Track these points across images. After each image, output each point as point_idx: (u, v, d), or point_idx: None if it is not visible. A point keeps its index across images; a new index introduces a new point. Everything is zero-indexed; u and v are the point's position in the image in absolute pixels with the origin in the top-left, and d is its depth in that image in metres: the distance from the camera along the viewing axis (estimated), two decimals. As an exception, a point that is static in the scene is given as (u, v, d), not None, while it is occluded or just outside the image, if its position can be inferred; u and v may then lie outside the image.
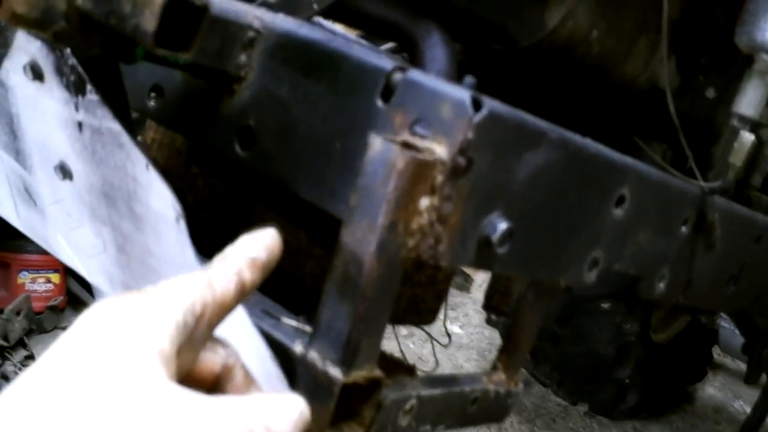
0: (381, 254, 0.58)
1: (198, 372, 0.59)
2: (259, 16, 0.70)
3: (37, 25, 0.59)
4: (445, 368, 3.09)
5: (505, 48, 0.81)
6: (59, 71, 0.65)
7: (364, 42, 0.70)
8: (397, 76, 0.63)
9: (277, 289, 0.73)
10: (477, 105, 0.60)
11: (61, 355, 0.50)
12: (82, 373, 0.49)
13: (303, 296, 0.77)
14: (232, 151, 0.70)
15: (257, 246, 0.61)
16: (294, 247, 0.78)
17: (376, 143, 0.58)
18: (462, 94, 0.60)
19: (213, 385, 0.60)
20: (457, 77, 0.78)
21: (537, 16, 0.78)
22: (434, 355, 2.96)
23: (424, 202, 0.60)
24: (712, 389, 3.80)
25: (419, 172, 0.58)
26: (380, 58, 0.65)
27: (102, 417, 0.47)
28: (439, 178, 0.60)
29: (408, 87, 0.62)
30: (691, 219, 0.91)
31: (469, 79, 0.64)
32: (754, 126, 0.90)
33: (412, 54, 0.79)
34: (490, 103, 0.60)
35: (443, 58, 0.76)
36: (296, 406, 0.55)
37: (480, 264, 0.66)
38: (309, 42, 0.68)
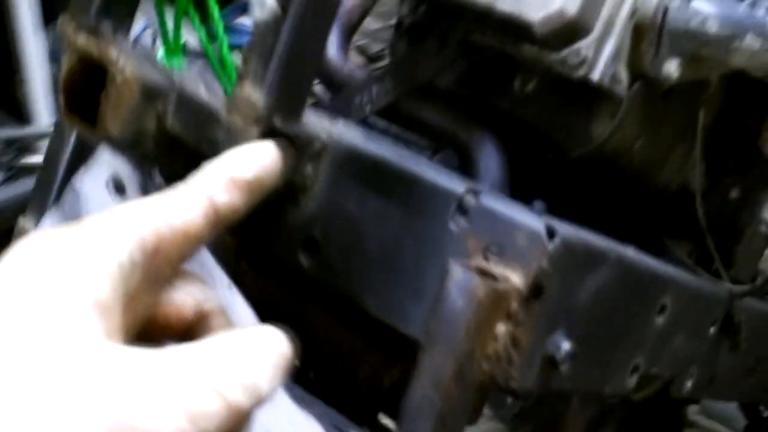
0: (460, 379, 0.60)
1: (163, 317, 0.48)
2: (326, 128, 0.71)
3: (127, 145, 0.60)
4: None
5: (554, 157, 0.83)
6: (144, 188, 0.66)
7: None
8: (470, 200, 0.64)
9: (331, 393, 0.74)
10: (551, 233, 0.62)
11: None
12: None
13: (356, 400, 0.79)
14: (296, 261, 0.71)
15: (241, 160, 0.51)
16: (348, 351, 0.79)
17: (457, 271, 0.60)
18: (537, 223, 0.62)
19: (183, 334, 0.49)
20: (509, 187, 0.80)
21: (585, 129, 0.80)
22: None
23: (501, 328, 0.61)
24: (685, 447, 3.82)
25: (497, 301, 0.60)
26: (452, 179, 0.67)
27: (16, 380, 0.37)
28: (514, 305, 0.61)
29: (481, 211, 0.64)
30: (719, 320, 0.93)
31: (539, 204, 0.66)
32: (782, 232, 0.93)
33: (464, 160, 0.80)
34: (562, 231, 0.62)
35: (497, 169, 0.78)
36: (274, 343, 0.44)
37: (542, 382, 0.68)
38: (378, 159, 0.69)
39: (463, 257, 0.63)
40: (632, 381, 0.82)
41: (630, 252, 0.74)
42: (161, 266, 0.46)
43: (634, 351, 0.80)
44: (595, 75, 0.74)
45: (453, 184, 0.66)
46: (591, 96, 0.80)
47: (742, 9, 0.77)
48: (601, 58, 0.75)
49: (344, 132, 0.72)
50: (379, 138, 0.77)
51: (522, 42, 0.75)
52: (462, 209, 0.65)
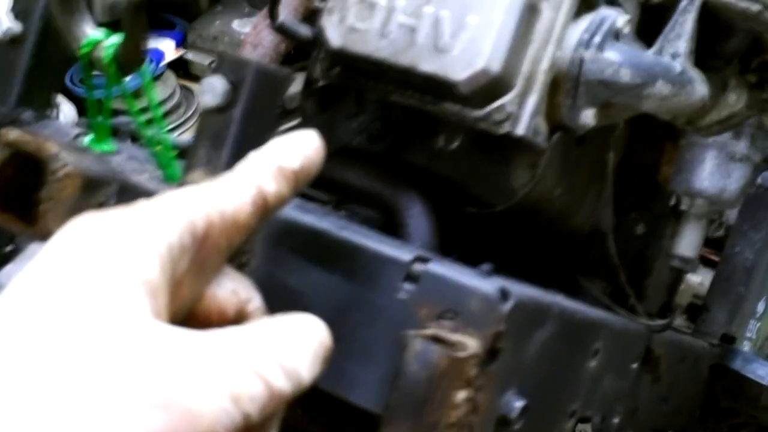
0: (426, 452, 0.59)
1: (204, 312, 0.49)
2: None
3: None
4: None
5: (478, 210, 0.84)
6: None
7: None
8: (419, 268, 0.64)
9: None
10: (505, 296, 0.62)
11: (28, 281, 0.41)
12: (49, 304, 0.39)
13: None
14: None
15: (287, 150, 0.51)
16: (298, 429, 0.77)
17: (415, 343, 0.59)
18: (489, 286, 0.62)
19: None
20: (439, 246, 0.80)
21: (508, 181, 0.81)
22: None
23: (461, 395, 0.61)
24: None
25: (457, 368, 0.60)
26: (398, 248, 0.66)
27: (66, 356, 0.37)
28: (473, 371, 0.61)
29: (431, 278, 0.63)
30: (640, 356, 0.95)
31: (486, 266, 0.66)
32: (693, 265, 0.96)
33: (393, 222, 0.80)
34: (515, 292, 0.62)
35: (426, 229, 0.78)
36: (315, 331, 0.46)
37: (496, 442, 0.67)
38: (316, 231, 0.68)
39: (416, 326, 0.62)
40: (569, 426, 0.83)
41: (567, 302, 0.75)
42: (210, 253, 0.46)
43: (571, 397, 0.81)
44: (520, 130, 0.75)
45: (399, 252, 0.65)
46: (510, 148, 0.81)
47: (650, 56, 0.79)
48: (525, 112, 0.76)
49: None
50: (310, 207, 0.75)
51: (444, 100, 0.75)
52: (411, 277, 0.64)
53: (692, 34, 0.80)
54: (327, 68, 0.81)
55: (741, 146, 0.91)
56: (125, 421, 0.36)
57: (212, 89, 0.51)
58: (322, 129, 0.81)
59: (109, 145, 0.60)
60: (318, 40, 0.79)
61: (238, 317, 0.50)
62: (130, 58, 0.61)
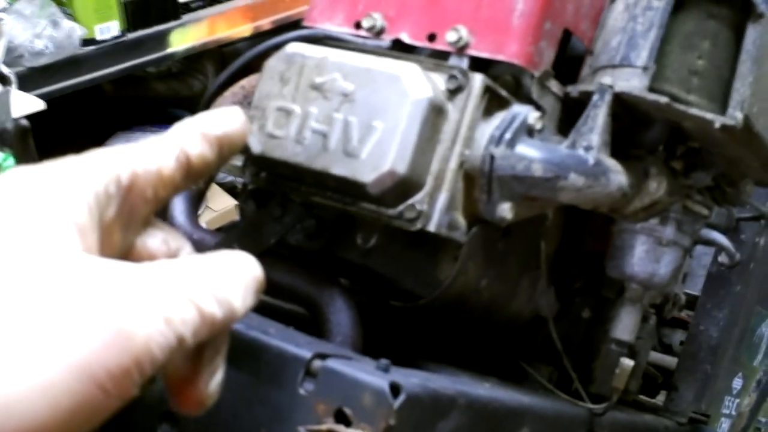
0: None
1: (136, 261, 0.50)
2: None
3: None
4: None
5: (403, 304, 0.86)
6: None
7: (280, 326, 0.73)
8: (317, 364, 0.67)
9: None
10: (395, 390, 0.64)
11: None
12: None
13: None
14: (157, 437, 0.72)
15: (210, 119, 0.54)
16: None
17: (306, 438, 0.62)
18: (380, 381, 0.64)
19: None
20: (361, 341, 0.82)
21: (431, 274, 0.83)
22: None
23: (355, 490, 0.63)
24: None
25: (348, 463, 0.62)
26: (299, 345, 0.69)
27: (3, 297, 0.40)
28: (366, 465, 0.63)
29: (328, 375, 0.66)
30: (582, 439, 0.97)
31: (384, 360, 0.68)
32: (631, 349, 0.97)
33: (317, 319, 0.83)
34: (407, 387, 0.65)
35: (347, 324, 0.81)
36: (247, 266, 0.48)
37: None
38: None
39: (314, 422, 0.65)
40: None
41: (482, 390, 0.77)
42: (136, 203, 0.49)
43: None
44: (431, 226, 0.78)
45: (300, 349, 0.68)
46: (432, 243, 0.83)
47: (562, 150, 0.82)
48: (436, 209, 0.79)
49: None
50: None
51: (359, 201, 0.79)
52: (310, 373, 0.67)
53: (605, 127, 0.83)
54: (254, 173, 0.85)
55: (668, 232, 0.93)
56: (61, 343, 0.39)
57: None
58: (256, 231, 0.85)
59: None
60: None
61: None
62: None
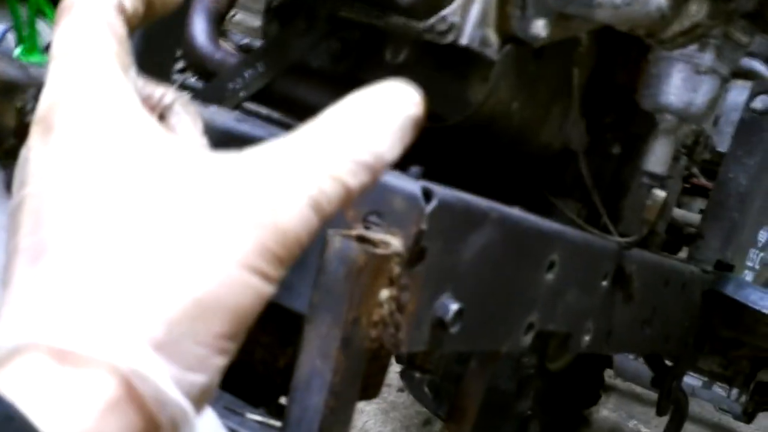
0: (347, 348, 0.59)
1: None
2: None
3: (-13, 143, 0.59)
4: None
5: (433, 125, 0.84)
6: (7, 185, 0.65)
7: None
8: (346, 171, 0.64)
9: (227, 377, 0.73)
10: (428, 196, 0.62)
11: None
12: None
13: (254, 383, 0.78)
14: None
15: None
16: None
17: (335, 240, 0.59)
18: (413, 186, 0.62)
19: None
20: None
21: (461, 94, 0.81)
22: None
23: (384, 293, 0.61)
24: (606, 411, 3.90)
25: (378, 266, 0.60)
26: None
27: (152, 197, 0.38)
28: (396, 270, 0.61)
29: (357, 181, 0.63)
30: (610, 273, 0.95)
31: (415, 168, 0.66)
32: (663, 181, 0.95)
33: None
34: (439, 193, 0.63)
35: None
36: (395, 106, 0.42)
37: (433, 344, 0.68)
38: (250, 138, 0.69)
39: (344, 227, 0.63)
40: (528, 339, 0.83)
41: (513, 211, 0.75)
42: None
43: (526, 309, 0.81)
44: (464, 40, 0.75)
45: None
46: (463, 61, 0.80)
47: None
48: (468, 22, 0.75)
49: (215, 115, 0.71)
50: (253, 121, 0.76)
51: (389, 13, 0.75)
52: (338, 180, 0.65)
53: (647, -58, 0.79)
54: (279, -13, 0.81)
55: (707, 58, 0.89)
56: (221, 243, 0.38)
57: None
58: (281, 48, 0.82)
59: (37, 58, 0.61)
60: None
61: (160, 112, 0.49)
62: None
